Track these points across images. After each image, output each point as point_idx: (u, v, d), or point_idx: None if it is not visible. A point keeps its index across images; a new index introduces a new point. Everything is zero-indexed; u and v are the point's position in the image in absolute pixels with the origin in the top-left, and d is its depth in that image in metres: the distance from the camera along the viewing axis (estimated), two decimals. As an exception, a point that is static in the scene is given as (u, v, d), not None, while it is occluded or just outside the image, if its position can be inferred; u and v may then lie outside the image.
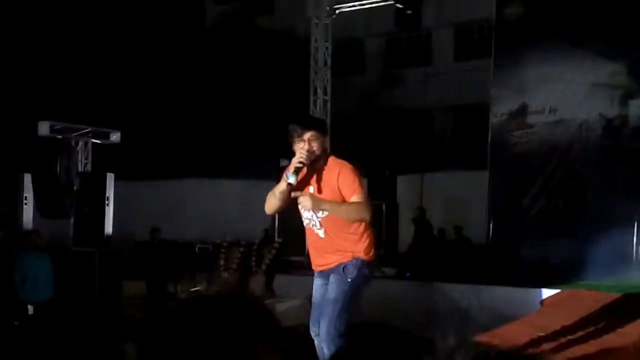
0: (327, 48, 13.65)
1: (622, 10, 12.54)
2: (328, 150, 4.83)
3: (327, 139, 4.78)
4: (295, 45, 17.12)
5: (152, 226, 12.21)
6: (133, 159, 15.59)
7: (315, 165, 4.64)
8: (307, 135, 4.62)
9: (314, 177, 4.66)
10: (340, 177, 4.58)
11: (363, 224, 4.64)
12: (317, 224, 4.70)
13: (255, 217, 15.51)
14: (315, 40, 13.67)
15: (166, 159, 17.39)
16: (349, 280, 4.56)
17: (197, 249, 12.83)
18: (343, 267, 4.59)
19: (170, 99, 18.91)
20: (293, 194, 4.63)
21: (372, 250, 4.70)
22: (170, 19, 20.26)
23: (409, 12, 13.13)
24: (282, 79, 18.36)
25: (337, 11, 13.60)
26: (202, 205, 16.70)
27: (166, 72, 19.15)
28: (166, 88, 18.96)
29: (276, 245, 10.34)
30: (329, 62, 13.70)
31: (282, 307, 9.51)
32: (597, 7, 12.90)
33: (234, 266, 10.12)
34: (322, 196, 4.59)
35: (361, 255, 4.61)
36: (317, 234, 4.73)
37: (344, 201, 4.60)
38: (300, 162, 4.59)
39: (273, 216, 12.93)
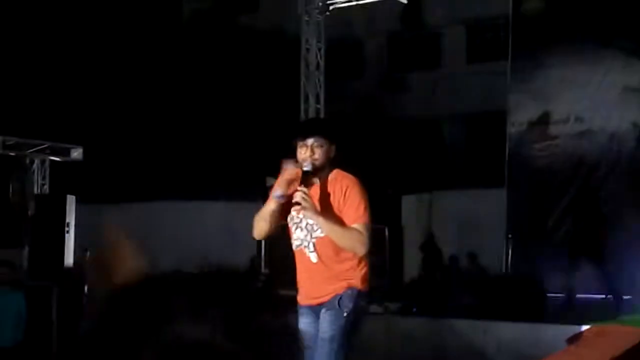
0: (319, 49, 13.70)
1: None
2: (335, 161, 4.80)
3: (333, 148, 4.68)
4: (284, 47, 17.21)
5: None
6: (97, 179, 15.60)
7: (316, 178, 4.66)
8: (311, 140, 4.63)
9: (314, 193, 4.65)
10: (345, 197, 4.59)
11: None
12: (311, 245, 4.71)
13: (239, 244, 15.52)
14: (307, 41, 13.73)
15: (136, 179, 17.40)
16: (345, 314, 4.57)
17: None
18: (338, 300, 4.60)
19: (141, 109, 18.93)
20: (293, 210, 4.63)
21: (367, 281, 4.74)
22: (141, 19, 20.34)
23: (410, 8, 13.19)
24: (269, 85, 18.43)
25: (331, 7, 13.68)
26: (178, 231, 16.69)
27: (136, 79, 19.19)
28: (136, 96, 18.99)
29: (262, 277, 10.34)
30: (322, 65, 13.75)
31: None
32: (627, 1, 13.01)
33: (214, 302, 10.10)
34: (326, 205, 4.61)
35: (357, 285, 4.62)
36: (308, 258, 4.73)
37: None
38: (300, 196, 4.54)
39: (259, 244, 12.93)
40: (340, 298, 4.60)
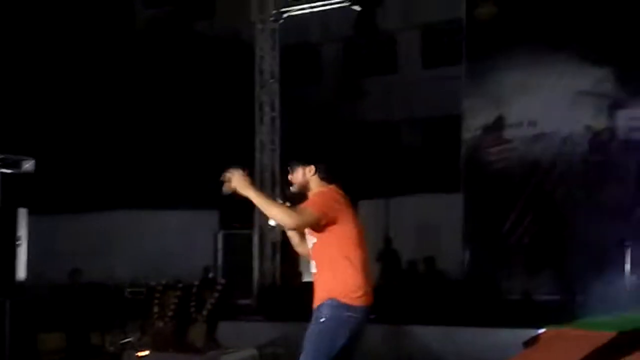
0: (274, 57, 13.65)
1: (607, 10, 12.81)
2: (312, 182, 4.99)
3: (310, 169, 4.96)
4: (240, 54, 17.11)
5: (73, 267, 12.03)
6: (49, 191, 15.35)
7: (300, 198, 4.94)
8: (290, 167, 5.04)
9: None
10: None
11: (351, 265, 4.79)
12: (311, 254, 4.96)
13: (197, 254, 15.40)
14: (261, 49, 13.68)
15: (89, 189, 17.17)
16: (322, 320, 4.75)
17: (127, 293, 12.64)
18: (318, 307, 4.81)
19: (95, 119, 18.68)
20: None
21: (358, 294, 4.80)
22: (94, 27, 20.10)
23: (365, 15, 13.21)
24: (225, 93, 18.31)
25: (284, 15, 13.64)
26: (134, 242, 16.50)
27: (88, 88, 18.94)
28: (88, 106, 18.74)
29: (219, 287, 10.22)
30: (276, 73, 13.71)
31: (229, 358, 9.41)
32: (579, 6, 13.16)
33: (170, 313, 9.97)
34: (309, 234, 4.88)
35: (338, 296, 4.76)
36: (314, 264, 4.97)
37: (329, 234, 4.80)
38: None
39: (215, 253, 12.85)
40: (320, 306, 4.80)
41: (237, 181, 4.79)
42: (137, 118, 19.18)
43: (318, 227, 4.78)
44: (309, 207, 4.75)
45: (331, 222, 4.77)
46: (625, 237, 11.53)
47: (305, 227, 4.78)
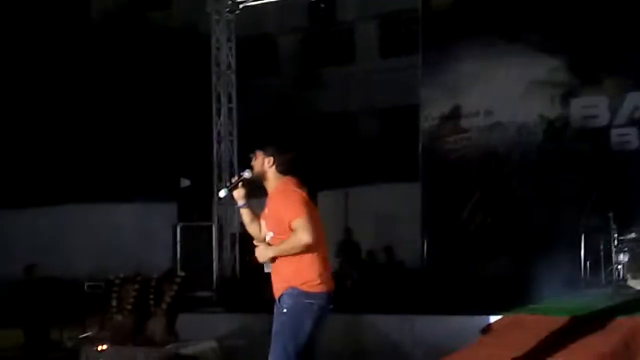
0: (230, 48, 13.61)
1: (560, 0, 12.99)
2: (270, 173, 5.09)
3: (270, 160, 5.06)
4: (196, 45, 17.02)
5: (28, 263, 11.91)
6: (2, 186, 15.19)
7: (261, 187, 5.11)
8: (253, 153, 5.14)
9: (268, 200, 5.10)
10: (280, 207, 4.93)
11: (309, 254, 4.88)
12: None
13: (156, 246, 15.32)
14: (217, 40, 13.62)
15: (44, 183, 16.99)
16: (285, 310, 4.86)
17: (86, 287, 12.56)
18: (279, 298, 4.92)
19: (45, 110, 18.46)
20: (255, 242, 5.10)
21: (318, 282, 4.90)
22: (47, 15, 19.83)
23: (323, 5, 13.24)
24: (182, 84, 18.22)
25: (240, 5, 13.59)
26: (91, 236, 16.37)
27: (40, 80, 18.70)
28: (42, 98, 18.51)
29: (178, 279, 10.20)
30: (233, 64, 13.66)
31: (188, 351, 9.40)
32: (534, -4, 13.33)
33: (129, 307, 9.93)
34: (268, 224, 5.03)
35: (298, 285, 4.86)
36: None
37: (287, 228, 4.90)
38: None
39: (174, 246, 12.80)
40: (281, 296, 4.92)
41: (259, 254, 4.98)
42: (92, 110, 19.00)
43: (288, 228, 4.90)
44: (299, 218, 4.82)
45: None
46: (580, 223, 11.77)
47: (313, 236, 4.81)
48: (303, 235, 4.79)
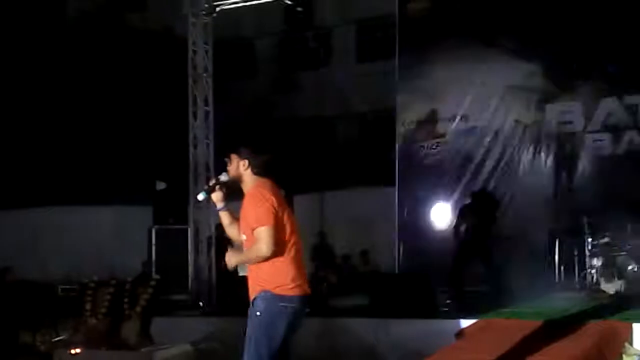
0: (207, 51, 13.57)
1: (536, 5, 13.08)
2: (246, 176, 5.11)
3: (244, 163, 5.10)
4: (173, 48, 16.97)
5: (2, 266, 11.83)
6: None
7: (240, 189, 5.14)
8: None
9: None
10: (249, 213, 4.95)
11: (283, 257, 4.91)
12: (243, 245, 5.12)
13: (131, 249, 15.25)
14: (194, 43, 13.58)
15: (17, 185, 16.88)
16: (258, 313, 4.89)
17: (60, 291, 12.50)
18: (253, 301, 4.96)
19: (24, 112, 18.34)
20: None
21: (291, 285, 4.93)
22: (23, 15, 19.70)
23: (299, 9, 13.25)
24: (158, 87, 18.16)
25: (217, 8, 13.56)
26: (66, 239, 16.27)
27: (17, 80, 18.58)
28: (18, 100, 18.39)
29: (153, 283, 10.18)
30: (209, 68, 13.61)
31: (163, 355, 9.38)
32: (510, 1, 13.41)
33: (103, 310, 9.90)
34: (242, 227, 5.06)
35: (271, 288, 4.89)
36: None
37: None
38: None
39: (150, 249, 12.76)
40: (254, 300, 4.95)
41: (227, 259, 5.04)
42: (68, 112, 18.89)
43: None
44: (262, 228, 4.83)
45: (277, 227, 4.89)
46: (555, 228, 11.87)
47: (274, 244, 4.83)
48: (262, 246, 4.82)
